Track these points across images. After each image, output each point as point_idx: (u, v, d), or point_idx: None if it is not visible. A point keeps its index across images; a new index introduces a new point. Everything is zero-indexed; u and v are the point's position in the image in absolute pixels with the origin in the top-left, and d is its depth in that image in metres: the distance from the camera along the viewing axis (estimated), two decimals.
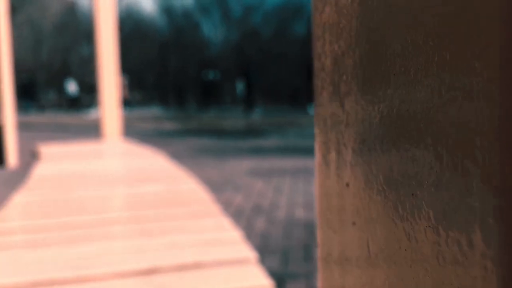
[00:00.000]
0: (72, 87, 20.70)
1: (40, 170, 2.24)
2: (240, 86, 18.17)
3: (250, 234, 2.65)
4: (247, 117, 14.80)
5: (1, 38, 5.19)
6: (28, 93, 19.50)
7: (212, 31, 21.45)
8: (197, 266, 1.00)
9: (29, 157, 5.39)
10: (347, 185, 0.23)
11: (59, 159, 2.73)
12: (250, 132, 10.28)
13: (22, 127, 8.21)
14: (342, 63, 0.23)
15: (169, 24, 22.09)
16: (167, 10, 22.10)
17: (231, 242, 1.14)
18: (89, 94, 20.34)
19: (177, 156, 4.87)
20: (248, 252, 1.06)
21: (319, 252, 0.26)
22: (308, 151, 6.69)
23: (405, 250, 0.18)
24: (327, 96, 0.24)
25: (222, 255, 1.04)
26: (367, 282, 0.21)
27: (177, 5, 21.97)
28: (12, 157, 5.48)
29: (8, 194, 3.19)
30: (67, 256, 1.07)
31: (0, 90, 5.31)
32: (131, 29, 19.50)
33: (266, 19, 20.55)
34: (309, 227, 2.89)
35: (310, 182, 4.32)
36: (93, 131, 8.07)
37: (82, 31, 21.54)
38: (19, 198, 1.63)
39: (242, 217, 3.10)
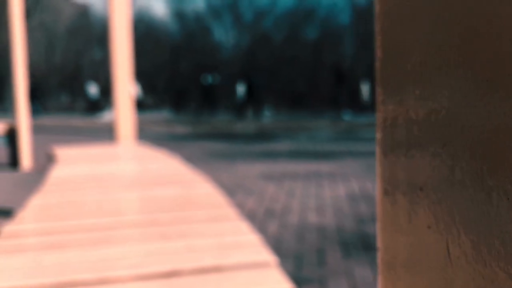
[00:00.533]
0: (93, 89, 20.84)
1: (56, 173, 2.26)
2: (240, 89, 18.05)
3: (262, 238, 2.65)
4: (257, 121, 14.81)
5: (15, 43, 5.24)
6: (36, 96, 19.65)
7: (224, 35, 21.53)
8: (217, 269, 1.00)
9: (43, 160, 5.43)
10: (421, 189, 0.22)
11: (75, 161, 2.75)
12: (261, 135, 10.28)
13: (34, 130, 8.28)
14: (421, 64, 0.22)
15: (180, 28, 22.20)
16: (179, 15, 22.22)
17: (250, 246, 1.13)
18: (102, 97, 20.49)
19: (189, 160, 4.88)
20: (268, 256, 1.06)
21: (380, 255, 0.26)
22: (319, 155, 6.66)
23: (498, 253, 0.18)
24: (395, 97, 0.24)
25: (241, 259, 1.04)
26: (445, 285, 0.20)
27: (188, 10, 22.08)
28: (26, 159, 5.53)
29: (23, 196, 3.22)
30: (86, 258, 1.07)
31: (14, 94, 5.36)
32: (143, 33, 19.61)
33: (277, 23, 20.59)
34: (322, 231, 2.87)
35: (322, 186, 4.30)
36: (107, 134, 8.11)
37: (95, 34, 21.72)
38: (37, 200, 1.64)
39: (254, 221, 3.09)
